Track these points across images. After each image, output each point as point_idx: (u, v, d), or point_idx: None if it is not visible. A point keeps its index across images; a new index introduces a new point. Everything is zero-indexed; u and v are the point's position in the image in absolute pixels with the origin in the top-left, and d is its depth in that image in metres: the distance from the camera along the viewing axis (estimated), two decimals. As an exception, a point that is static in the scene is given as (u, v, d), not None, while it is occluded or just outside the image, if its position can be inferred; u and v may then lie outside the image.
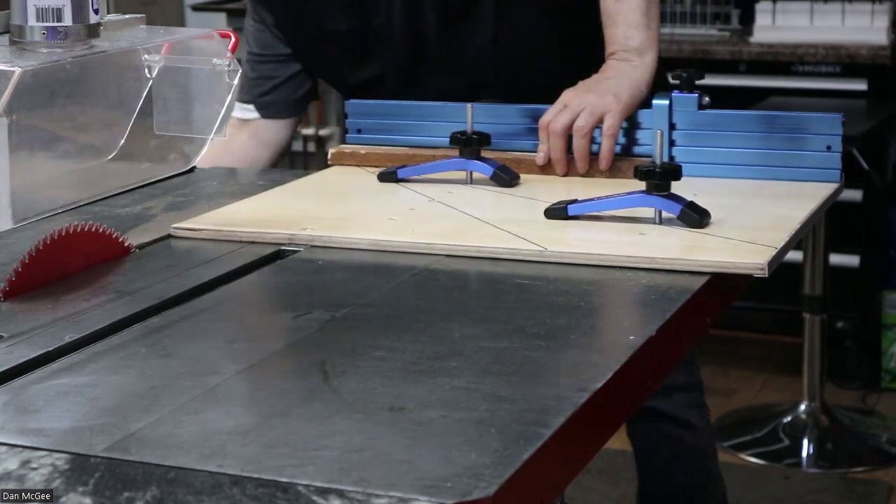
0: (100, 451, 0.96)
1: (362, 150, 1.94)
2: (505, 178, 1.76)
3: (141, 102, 1.50)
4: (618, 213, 1.57)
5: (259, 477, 0.91)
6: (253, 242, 1.54)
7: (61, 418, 1.04)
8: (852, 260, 3.87)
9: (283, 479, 0.91)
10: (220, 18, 4.24)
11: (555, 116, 1.82)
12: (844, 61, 3.80)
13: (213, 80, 1.49)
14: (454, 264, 1.45)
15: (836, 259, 3.65)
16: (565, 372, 1.13)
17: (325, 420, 1.03)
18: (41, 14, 1.33)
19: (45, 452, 0.97)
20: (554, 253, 1.44)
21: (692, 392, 2.22)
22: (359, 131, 1.99)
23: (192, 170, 1.65)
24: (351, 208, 1.74)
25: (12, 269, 1.36)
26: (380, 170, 1.83)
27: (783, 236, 1.46)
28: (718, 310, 1.43)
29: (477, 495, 0.88)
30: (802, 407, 3.51)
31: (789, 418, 3.51)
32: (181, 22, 4.56)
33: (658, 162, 1.54)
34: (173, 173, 1.63)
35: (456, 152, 1.80)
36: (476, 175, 1.78)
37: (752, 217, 1.58)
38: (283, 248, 1.52)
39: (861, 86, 3.81)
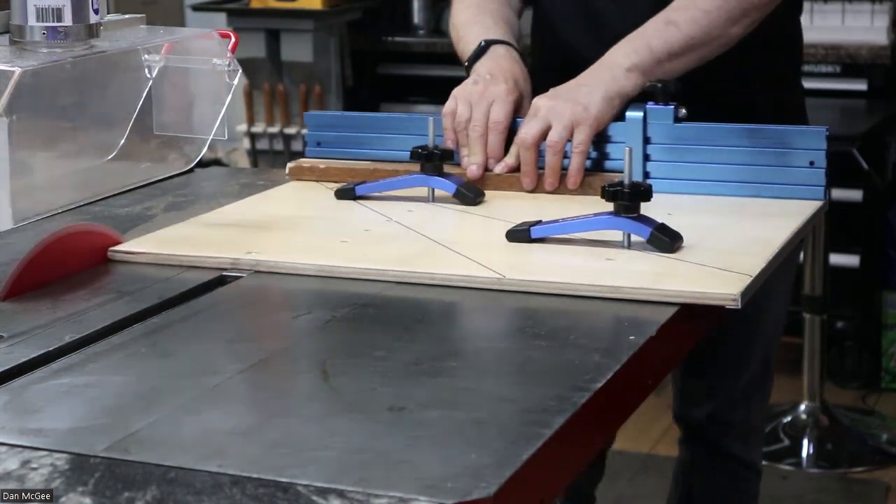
0: (100, 451, 0.96)
1: (321, 164, 1.82)
2: (468, 195, 1.64)
3: (141, 102, 1.50)
4: (584, 236, 1.46)
5: (259, 477, 0.92)
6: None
7: (61, 418, 1.04)
8: (852, 260, 3.87)
9: (283, 479, 0.91)
10: (220, 18, 4.24)
11: (524, 126, 1.70)
12: (844, 61, 3.80)
13: (213, 80, 1.49)
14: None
15: (836, 259, 3.65)
16: (565, 372, 1.13)
17: (325, 420, 1.03)
18: (41, 14, 1.33)
19: (45, 452, 0.97)
20: (512, 281, 1.34)
21: (761, 432, 2.17)
22: (318, 144, 1.86)
23: (192, 170, 1.65)
24: (303, 228, 1.61)
25: (12, 269, 1.36)
26: (339, 185, 1.73)
27: (760, 262, 1.37)
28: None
29: (477, 495, 0.88)
30: (802, 407, 3.51)
31: (789, 418, 3.51)
32: (181, 22, 4.56)
33: (627, 181, 1.43)
34: (173, 173, 1.63)
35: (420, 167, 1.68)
36: (439, 192, 1.67)
37: (729, 239, 1.48)
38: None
39: (861, 86, 3.81)
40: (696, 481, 2.17)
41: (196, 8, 4.40)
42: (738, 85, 1.88)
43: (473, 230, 1.57)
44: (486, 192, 1.68)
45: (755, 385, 2.08)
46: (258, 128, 4.25)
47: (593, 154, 1.71)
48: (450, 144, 1.74)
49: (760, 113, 1.85)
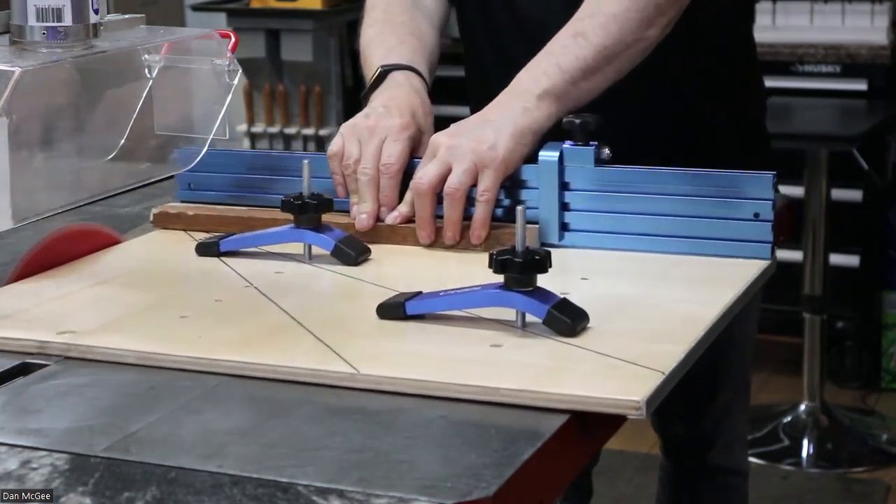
0: (100, 451, 0.96)
1: (190, 210, 1.57)
2: (349, 254, 1.39)
3: (141, 102, 1.50)
4: (473, 313, 1.22)
5: (259, 477, 0.92)
6: None
7: (61, 418, 1.04)
8: (852, 260, 3.87)
9: (283, 479, 0.91)
10: (220, 18, 4.24)
11: (420, 168, 1.46)
12: (844, 61, 3.80)
13: (213, 80, 1.49)
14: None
15: (836, 259, 3.65)
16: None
17: (325, 420, 1.03)
18: (41, 14, 1.33)
19: (45, 452, 0.97)
20: (367, 377, 1.08)
21: (746, 438, 2.11)
22: (190, 186, 1.61)
23: (192, 170, 1.65)
24: (142, 298, 1.32)
25: (12, 268, 1.36)
26: (204, 238, 1.47)
27: (678, 352, 1.11)
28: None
29: (477, 495, 0.88)
30: (802, 407, 3.51)
31: (789, 418, 3.51)
32: (181, 22, 4.56)
33: (519, 248, 1.16)
34: (173, 173, 1.63)
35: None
36: (317, 248, 1.41)
37: (647, 316, 1.23)
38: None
39: (861, 86, 3.81)
40: (684, 494, 2.09)
41: (196, 8, 4.40)
42: (678, 112, 1.70)
43: (346, 300, 1.32)
44: (377, 246, 1.44)
45: (734, 401, 1.99)
46: (258, 128, 4.25)
47: (505, 202, 1.46)
48: (338, 190, 1.51)
49: (707, 141, 1.70)
